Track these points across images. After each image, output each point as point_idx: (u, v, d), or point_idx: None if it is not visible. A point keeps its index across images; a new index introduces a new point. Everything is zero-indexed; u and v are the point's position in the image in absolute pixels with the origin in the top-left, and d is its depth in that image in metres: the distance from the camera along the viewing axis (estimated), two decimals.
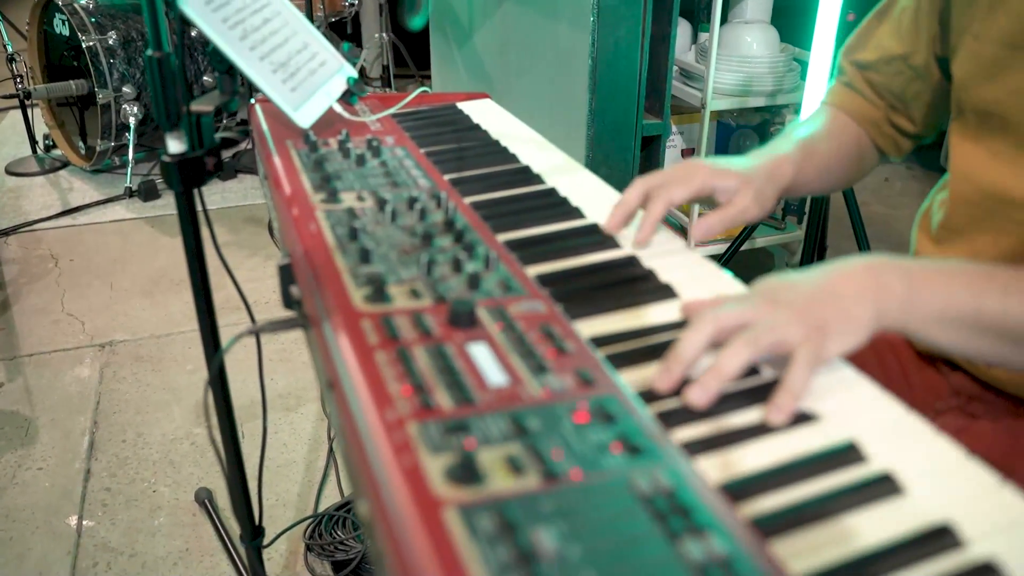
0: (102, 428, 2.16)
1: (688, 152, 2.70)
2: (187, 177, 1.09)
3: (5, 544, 1.79)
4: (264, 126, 1.22)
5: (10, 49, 3.50)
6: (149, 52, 1.01)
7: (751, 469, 0.59)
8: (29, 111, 3.71)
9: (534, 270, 0.85)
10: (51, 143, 3.86)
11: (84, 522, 1.86)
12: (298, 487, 1.95)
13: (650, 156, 2.29)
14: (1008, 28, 0.84)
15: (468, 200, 1.01)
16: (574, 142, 2.04)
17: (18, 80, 3.49)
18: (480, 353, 0.67)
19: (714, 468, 0.59)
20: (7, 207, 3.42)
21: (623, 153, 2.05)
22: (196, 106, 1.10)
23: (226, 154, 3.86)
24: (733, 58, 2.37)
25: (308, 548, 1.75)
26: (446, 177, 1.08)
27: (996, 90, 0.87)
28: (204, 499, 1.89)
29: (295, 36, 1.19)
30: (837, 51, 1.24)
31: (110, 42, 3.32)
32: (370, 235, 0.87)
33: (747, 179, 0.93)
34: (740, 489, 0.57)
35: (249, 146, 3.82)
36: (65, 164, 3.81)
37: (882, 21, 1.06)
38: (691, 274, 0.87)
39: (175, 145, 1.08)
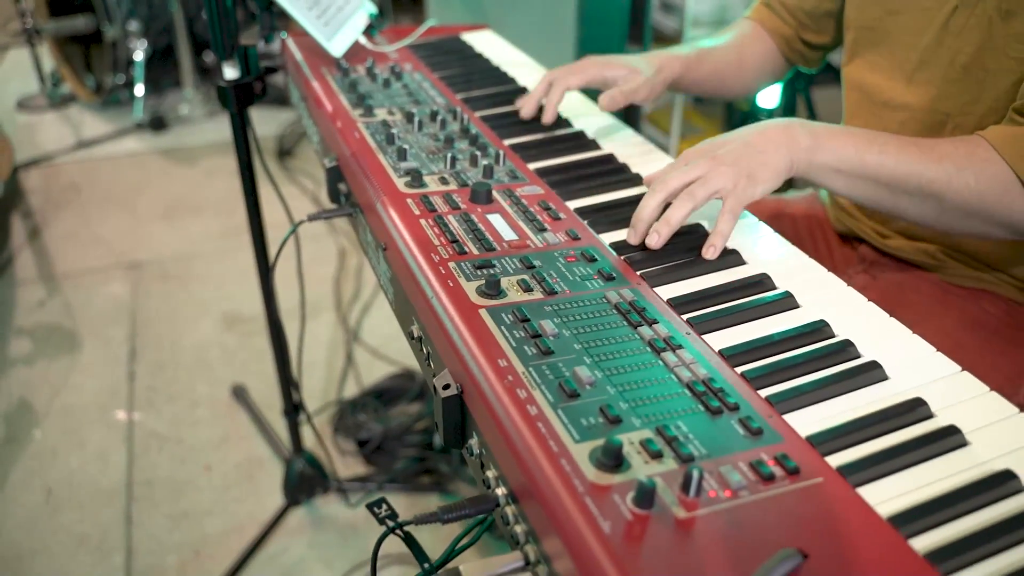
0: (139, 337, 2.40)
1: None
2: (240, 99, 1.30)
3: (68, 434, 2.05)
4: (299, 56, 1.43)
5: None
6: None
7: (692, 290, 0.83)
8: (36, 49, 3.85)
9: (533, 165, 1.08)
10: (58, 79, 4.01)
11: (134, 415, 2.11)
12: (321, 383, 2.20)
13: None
14: None
15: (478, 114, 1.23)
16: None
17: (25, 17, 3.62)
18: (496, 220, 0.91)
19: (666, 292, 0.83)
20: (23, 142, 3.59)
21: None
22: (245, 39, 1.31)
23: None
24: None
25: (335, 430, 2.01)
26: (458, 96, 1.30)
27: (876, 10, 1.10)
28: (240, 393, 2.14)
29: None
30: None
31: None
32: (403, 139, 1.09)
33: (635, 70, 1.18)
34: (683, 304, 0.81)
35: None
36: (72, 99, 3.96)
37: None
38: (656, 166, 1.10)
39: (230, 72, 1.29)
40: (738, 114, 2.75)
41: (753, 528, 0.55)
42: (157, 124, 3.66)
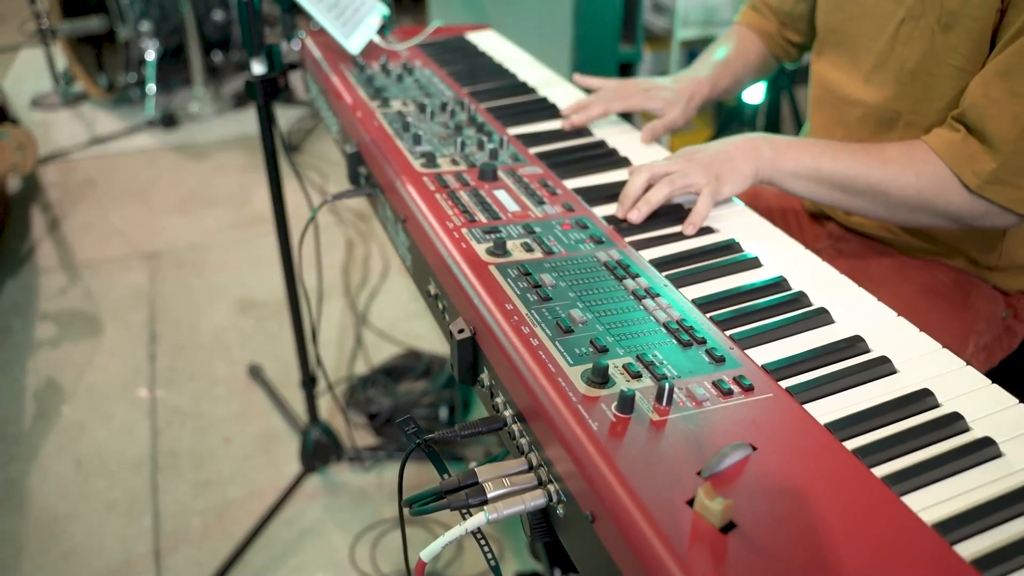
0: (159, 321, 2.53)
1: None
2: (267, 92, 1.44)
3: (94, 410, 2.18)
4: (318, 54, 1.56)
5: None
6: None
7: (671, 252, 0.97)
8: (50, 48, 3.98)
9: (534, 150, 1.22)
10: (70, 78, 4.14)
11: (156, 392, 2.24)
12: (333, 362, 2.34)
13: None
14: None
15: (484, 105, 1.37)
16: (558, 69, 2.37)
17: (41, 18, 3.75)
18: (501, 195, 1.04)
19: (648, 255, 0.97)
20: (39, 138, 3.71)
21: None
22: (269, 38, 1.44)
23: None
24: None
25: (348, 404, 2.14)
26: (465, 89, 1.43)
27: (839, 14, 1.24)
28: (257, 371, 2.27)
29: None
30: None
31: None
32: (417, 127, 1.23)
33: (672, 102, 1.33)
34: (663, 264, 0.94)
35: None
36: (85, 97, 4.09)
37: None
38: (641, 151, 1.24)
39: (258, 68, 1.42)
40: (726, 111, 2.89)
41: (713, 429, 0.68)
42: (168, 121, 3.80)
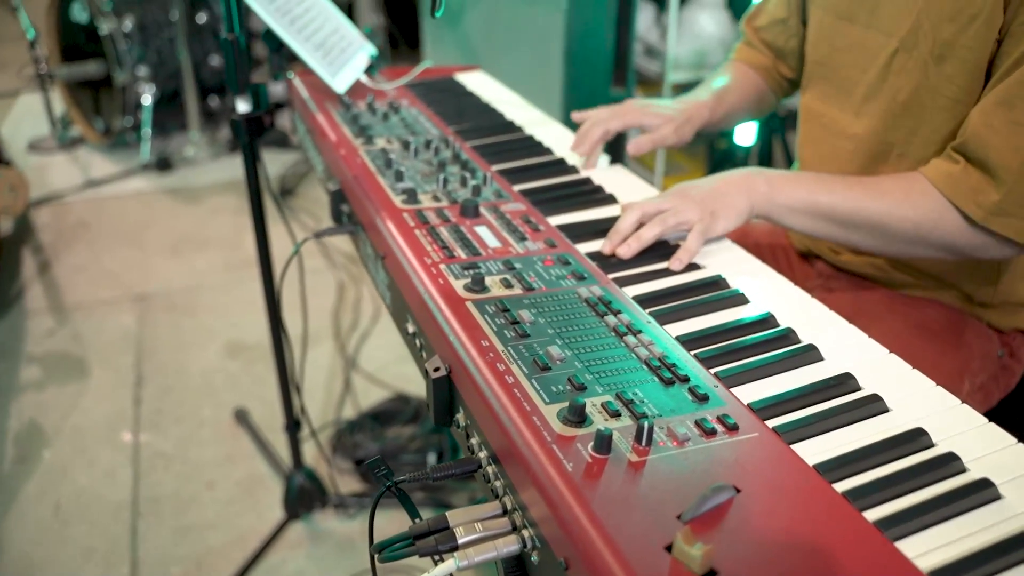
0: (146, 363, 2.49)
1: None
2: (251, 130, 1.42)
3: (77, 454, 2.13)
4: (305, 94, 1.55)
5: (32, 35, 3.78)
6: (224, 35, 1.34)
7: (655, 289, 0.94)
8: (48, 93, 4.00)
9: (519, 187, 1.20)
10: (68, 122, 4.15)
11: (140, 435, 2.20)
12: (320, 406, 2.30)
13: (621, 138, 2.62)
14: (839, 3, 1.20)
15: (469, 143, 1.35)
16: (550, 111, 2.37)
17: (39, 63, 3.77)
18: (482, 231, 1.02)
19: (632, 291, 0.94)
20: (34, 181, 3.71)
21: None
22: (256, 78, 1.43)
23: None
24: (690, 35, 2.71)
25: (334, 450, 2.10)
26: (451, 128, 1.42)
27: (826, 47, 1.23)
28: (243, 415, 2.23)
29: (328, 21, 1.53)
30: None
31: (127, 27, 3.61)
32: (400, 164, 1.21)
33: (669, 118, 1.31)
34: (647, 300, 0.92)
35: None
36: (81, 141, 4.10)
37: None
38: (627, 188, 1.22)
39: (243, 106, 1.41)
40: (719, 153, 2.89)
41: (695, 470, 0.65)
42: (163, 165, 3.80)
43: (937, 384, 0.80)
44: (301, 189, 3.63)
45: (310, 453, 2.05)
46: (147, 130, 3.79)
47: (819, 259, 1.35)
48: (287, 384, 1.74)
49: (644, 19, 2.89)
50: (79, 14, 3.76)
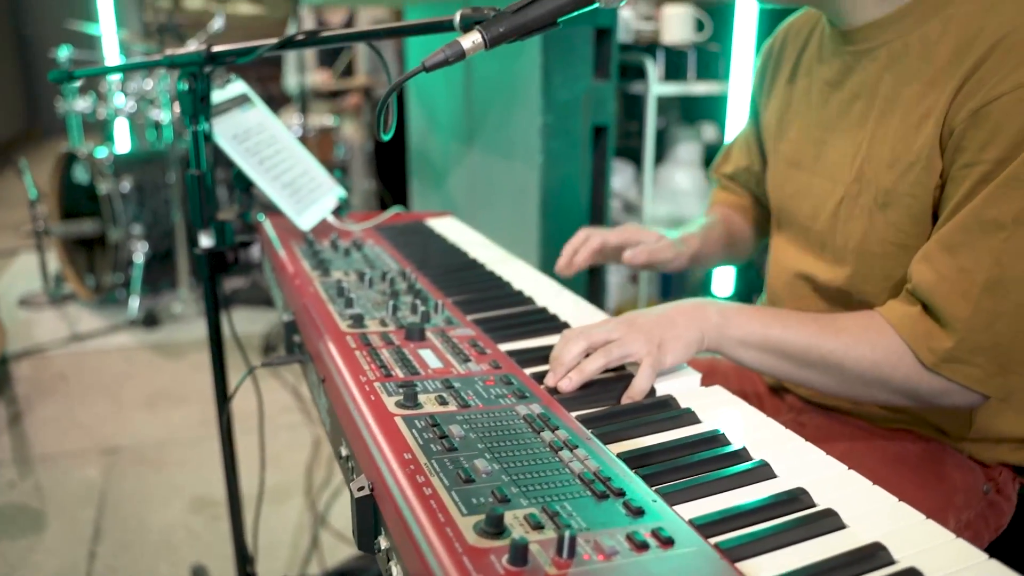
0: (106, 518, 2.38)
1: (631, 277, 3.07)
2: (213, 265, 1.42)
3: None
4: (272, 234, 1.56)
5: (34, 195, 3.89)
6: (191, 171, 1.36)
7: (600, 408, 0.90)
8: (44, 251, 4.07)
9: (472, 316, 1.18)
10: (61, 278, 4.20)
11: None
12: (283, 564, 2.17)
13: (593, 273, 2.64)
14: (788, 151, 1.22)
15: (427, 277, 1.34)
16: (528, 262, 2.39)
17: (37, 221, 3.86)
18: (426, 353, 0.99)
19: (576, 412, 0.90)
20: (19, 335, 3.72)
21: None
22: (222, 215, 1.45)
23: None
24: (666, 193, 2.78)
25: None
26: (411, 263, 1.42)
27: (779, 194, 1.24)
28: (201, 573, 2.10)
29: (299, 163, 1.56)
30: None
31: (124, 188, 3.73)
32: (353, 293, 1.20)
33: (663, 237, 1.32)
34: (590, 420, 0.87)
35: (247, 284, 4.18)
36: (72, 297, 4.14)
37: (735, 142, 1.44)
38: (587, 319, 1.20)
39: (206, 241, 1.42)
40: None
41: None
42: (150, 321, 3.81)
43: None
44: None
45: None
46: (136, 287, 3.82)
47: (789, 393, 1.31)
48: (241, 538, 1.65)
49: (624, 177, 2.98)
50: (81, 175, 3.89)
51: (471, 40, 0.94)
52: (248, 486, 1.66)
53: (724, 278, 2.81)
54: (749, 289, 2.73)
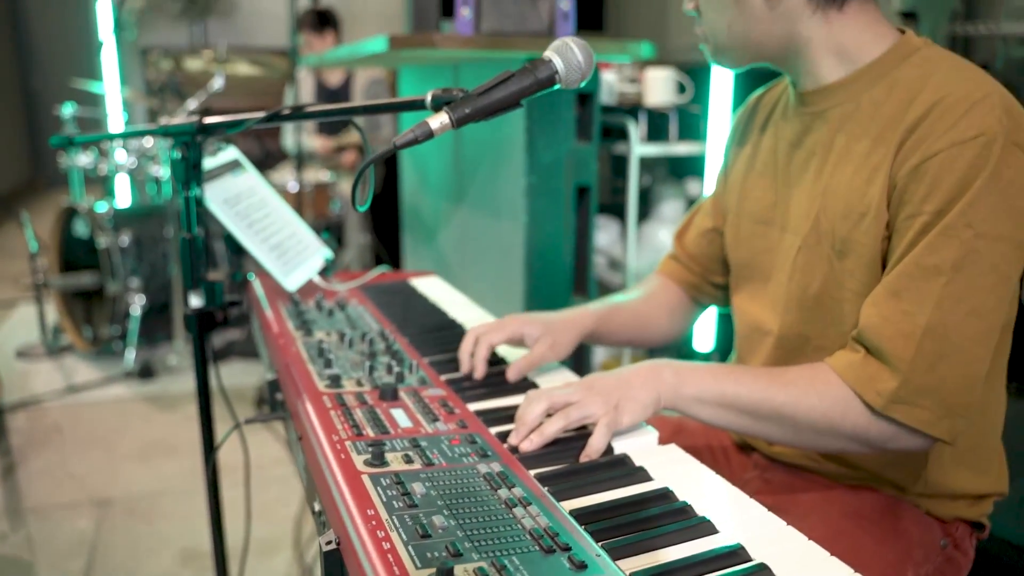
0: (96, 570, 2.41)
1: None
2: (202, 325, 1.48)
3: None
4: (260, 293, 1.63)
5: (35, 248, 3.97)
6: (183, 234, 1.43)
7: (559, 468, 0.96)
8: (43, 303, 4.14)
9: (445, 376, 1.24)
10: (59, 330, 4.26)
11: None
12: None
13: None
14: (754, 209, 1.29)
15: (405, 337, 1.41)
16: None
17: (37, 273, 3.94)
18: (397, 413, 1.05)
19: (535, 471, 0.95)
20: (16, 386, 3.77)
21: None
22: (212, 275, 1.52)
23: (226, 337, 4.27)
24: (650, 249, 2.86)
25: None
26: (392, 323, 1.48)
27: (746, 250, 1.31)
28: None
29: (287, 226, 1.64)
30: None
31: (123, 242, 3.81)
32: (332, 353, 1.26)
33: (548, 328, 1.29)
34: (545, 478, 0.93)
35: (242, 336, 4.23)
36: (70, 348, 4.19)
37: (700, 207, 1.51)
38: (548, 378, 1.26)
39: (196, 301, 1.48)
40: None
41: None
42: (145, 373, 3.86)
43: (879, 573, 0.79)
44: None
45: None
46: (132, 339, 3.88)
47: (755, 451, 1.36)
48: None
49: (609, 234, 3.06)
50: (81, 229, 3.97)
51: (439, 121, 1.02)
52: (237, 538, 1.69)
53: (705, 335, 2.87)
54: (730, 344, 2.79)
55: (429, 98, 1.10)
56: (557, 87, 1.07)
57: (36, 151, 9.99)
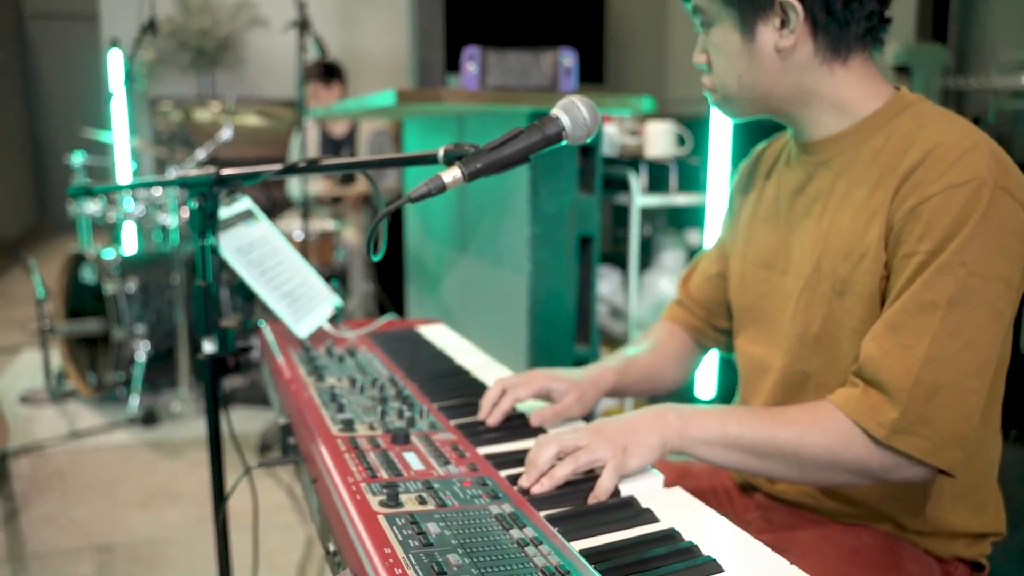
0: None
1: None
2: (214, 370, 1.52)
3: None
4: (271, 339, 1.67)
5: (41, 294, 4.01)
6: (198, 282, 1.48)
7: (568, 509, 0.98)
8: (47, 348, 4.17)
9: (455, 421, 1.27)
10: (63, 376, 4.28)
11: None
12: None
13: None
14: (757, 254, 1.34)
15: (415, 383, 1.44)
16: (517, 366, 2.49)
17: (43, 319, 3.97)
18: (409, 456, 1.08)
19: (544, 512, 0.98)
20: (19, 431, 3.78)
21: None
22: (225, 322, 1.55)
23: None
24: (651, 297, 2.90)
25: None
26: (401, 369, 1.52)
27: (751, 294, 1.35)
28: None
29: (298, 274, 1.68)
30: None
31: (130, 289, 3.85)
32: (344, 398, 1.29)
33: (575, 384, 1.33)
34: (556, 519, 0.96)
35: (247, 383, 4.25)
36: (73, 394, 4.21)
37: (705, 254, 1.56)
38: (564, 426, 1.29)
39: (209, 347, 1.52)
40: None
41: None
42: (149, 419, 3.87)
43: None
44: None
45: None
46: (137, 385, 3.90)
47: (757, 491, 1.39)
48: None
49: (611, 283, 3.11)
50: (88, 276, 4.02)
51: (451, 175, 1.07)
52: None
53: (706, 382, 2.90)
54: (731, 389, 2.82)
55: (441, 153, 1.15)
56: (564, 143, 1.12)
57: (42, 197, 10.11)
